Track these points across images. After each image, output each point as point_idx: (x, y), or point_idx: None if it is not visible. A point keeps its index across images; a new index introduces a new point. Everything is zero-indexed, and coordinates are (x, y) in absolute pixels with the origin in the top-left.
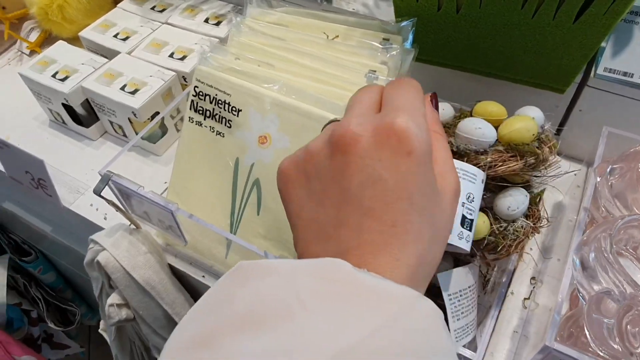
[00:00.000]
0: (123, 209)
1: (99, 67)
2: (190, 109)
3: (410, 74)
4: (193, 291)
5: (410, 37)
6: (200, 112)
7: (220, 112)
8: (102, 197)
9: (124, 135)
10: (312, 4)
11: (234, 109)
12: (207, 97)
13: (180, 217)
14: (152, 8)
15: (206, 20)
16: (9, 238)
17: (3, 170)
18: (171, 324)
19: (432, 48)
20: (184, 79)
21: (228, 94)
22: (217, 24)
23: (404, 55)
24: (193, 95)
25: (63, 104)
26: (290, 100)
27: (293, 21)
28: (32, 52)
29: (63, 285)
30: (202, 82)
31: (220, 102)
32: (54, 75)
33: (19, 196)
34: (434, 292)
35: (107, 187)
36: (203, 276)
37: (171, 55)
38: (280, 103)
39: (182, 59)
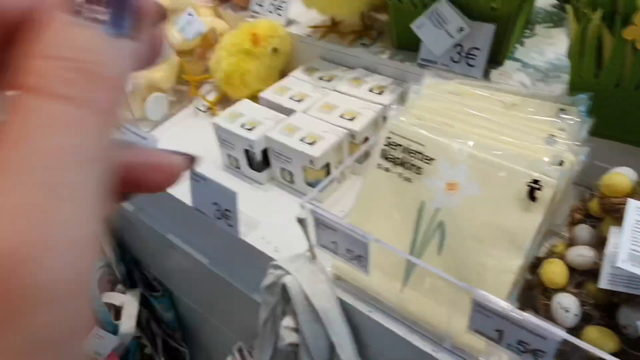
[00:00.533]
0: (312, 237)
1: (280, 121)
2: (381, 157)
3: (586, 146)
4: (355, 326)
5: (585, 110)
6: (390, 159)
7: (411, 160)
8: (302, 225)
9: (290, 181)
10: (473, 81)
11: (426, 158)
12: (399, 147)
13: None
14: (320, 78)
15: (370, 90)
16: (141, 273)
17: (184, 202)
18: (332, 357)
19: (605, 122)
20: (352, 137)
21: (422, 145)
22: (380, 93)
23: (581, 124)
24: (384, 145)
25: (245, 150)
26: (480, 153)
27: (467, 90)
28: (208, 109)
29: (176, 326)
30: (395, 134)
31: (412, 151)
32: (242, 125)
33: (178, 229)
34: (629, 344)
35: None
36: (370, 311)
37: (341, 116)
38: (472, 155)
39: (351, 119)
